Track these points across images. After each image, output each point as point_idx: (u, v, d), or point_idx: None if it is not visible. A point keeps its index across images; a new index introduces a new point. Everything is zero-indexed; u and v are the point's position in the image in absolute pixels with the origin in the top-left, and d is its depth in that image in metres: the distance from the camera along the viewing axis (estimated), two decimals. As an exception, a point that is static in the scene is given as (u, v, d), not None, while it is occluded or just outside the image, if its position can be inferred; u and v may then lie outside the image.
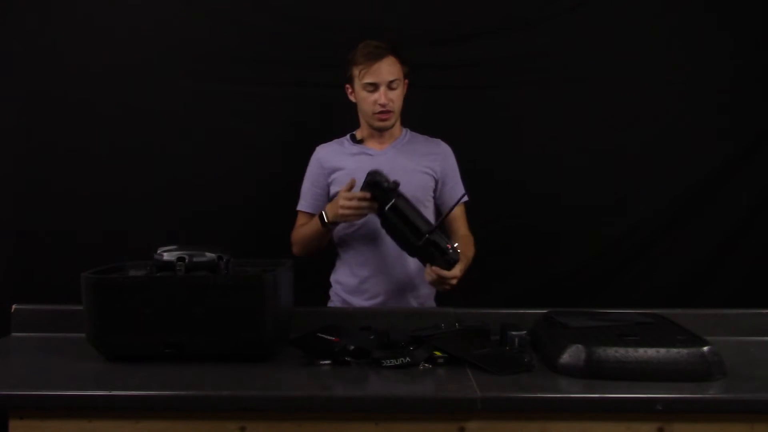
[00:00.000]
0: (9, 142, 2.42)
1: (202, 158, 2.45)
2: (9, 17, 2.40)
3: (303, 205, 2.06)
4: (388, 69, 1.93)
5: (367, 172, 1.80)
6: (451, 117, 2.45)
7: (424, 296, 2.02)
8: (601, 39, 2.45)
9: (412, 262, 1.92)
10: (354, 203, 1.78)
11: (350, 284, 2.02)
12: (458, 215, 2.04)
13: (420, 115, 2.36)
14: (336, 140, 2.10)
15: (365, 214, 1.82)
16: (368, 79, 1.93)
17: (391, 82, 1.93)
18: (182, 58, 2.43)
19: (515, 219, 2.48)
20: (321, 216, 1.90)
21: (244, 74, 2.44)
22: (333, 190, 2.01)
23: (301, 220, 2.06)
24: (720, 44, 2.45)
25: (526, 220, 2.49)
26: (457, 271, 1.72)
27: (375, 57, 1.92)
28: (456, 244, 1.73)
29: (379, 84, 1.93)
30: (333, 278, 2.09)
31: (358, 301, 2.00)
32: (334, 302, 2.06)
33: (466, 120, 2.46)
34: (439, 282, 1.74)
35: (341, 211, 1.81)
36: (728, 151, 2.46)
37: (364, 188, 1.78)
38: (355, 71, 1.95)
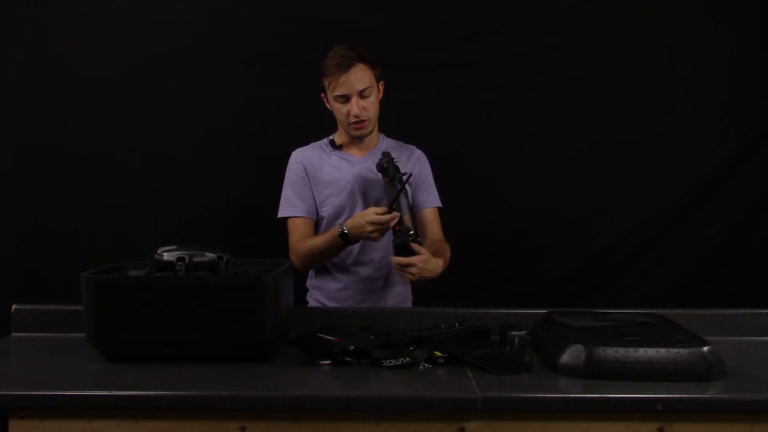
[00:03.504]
0: (9, 142, 2.42)
1: (202, 158, 2.46)
2: (9, 20, 2.40)
3: (295, 211, 1.96)
4: (357, 78, 1.87)
5: (351, 179, 1.92)
6: (451, 117, 2.45)
7: (400, 296, 2.02)
8: (601, 39, 2.45)
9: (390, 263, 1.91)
10: (384, 227, 1.75)
11: (331, 289, 1.99)
12: (431, 219, 2.02)
13: (418, 116, 2.37)
14: (313, 144, 2.05)
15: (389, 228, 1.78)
16: (339, 92, 1.88)
17: (362, 90, 1.88)
18: (182, 58, 2.43)
19: (516, 219, 2.48)
20: (342, 234, 1.80)
21: (243, 74, 2.44)
22: (319, 196, 1.97)
23: (300, 229, 1.95)
24: (720, 44, 2.45)
25: (527, 220, 2.49)
26: (415, 260, 1.74)
27: (343, 67, 1.86)
28: (412, 231, 1.76)
29: (350, 95, 1.89)
30: (311, 283, 2.06)
31: (340, 306, 1.97)
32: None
33: (465, 121, 2.46)
34: (397, 268, 1.78)
35: (373, 235, 1.75)
36: (728, 151, 2.47)
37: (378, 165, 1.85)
38: (326, 82, 1.91)
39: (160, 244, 1.47)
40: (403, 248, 1.75)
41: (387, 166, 1.82)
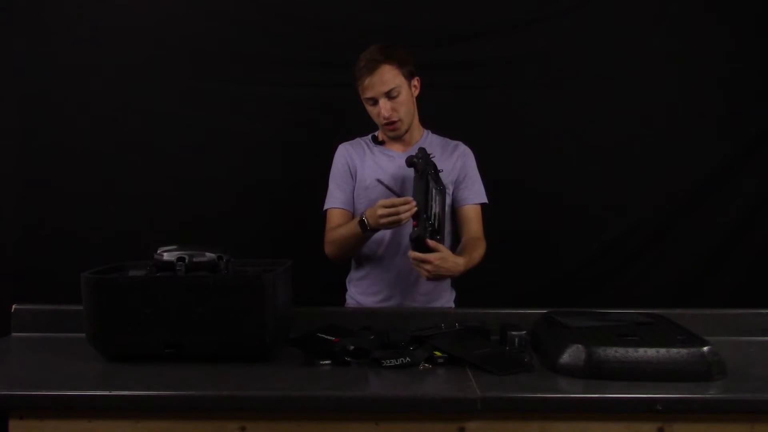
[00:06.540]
0: (9, 142, 2.42)
1: (202, 158, 2.46)
2: (9, 19, 2.40)
3: (333, 202, 1.99)
4: (382, 80, 1.88)
5: (389, 173, 1.93)
6: (451, 117, 2.44)
7: (434, 292, 2.01)
8: (601, 39, 2.45)
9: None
10: (393, 210, 1.72)
11: (363, 284, 2.01)
12: (472, 216, 2.01)
13: (419, 116, 2.37)
14: (358, 139, 2.07)
15: (406, 220, 1.75)
16: (366, 94, 1.91)
17: (389, 91, 1.89)
18: (182, 58, 2.43)
19: (516, 219, 2.48)
20: (362, 222, 1.82)
21: (244, 74, 2.44)
22: (358, 189, 1.99)
23: (335, 219, 1.98)
24: (719, 44, 2.45)
25: (526, 220, 2.49)
26: (432, 257, 1.73)
27: (368, 70, 1.88)
28: (431, 229, 1.75)
29: (377, 98, 1.90)
30: (348, 278, 2.09)
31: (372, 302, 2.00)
32: (350, 305, 2.05)
33: (464, 120, 2.45)
34: (413, 262, 1.77)
35: (382, 221, 1.74)
36: (728, 150, 2.47)
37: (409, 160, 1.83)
38: (357, 85, 1.94)
39: (160, 244, 1.47)
40: (418, 243, 1.74)
41: (417, 162, 1.81)
